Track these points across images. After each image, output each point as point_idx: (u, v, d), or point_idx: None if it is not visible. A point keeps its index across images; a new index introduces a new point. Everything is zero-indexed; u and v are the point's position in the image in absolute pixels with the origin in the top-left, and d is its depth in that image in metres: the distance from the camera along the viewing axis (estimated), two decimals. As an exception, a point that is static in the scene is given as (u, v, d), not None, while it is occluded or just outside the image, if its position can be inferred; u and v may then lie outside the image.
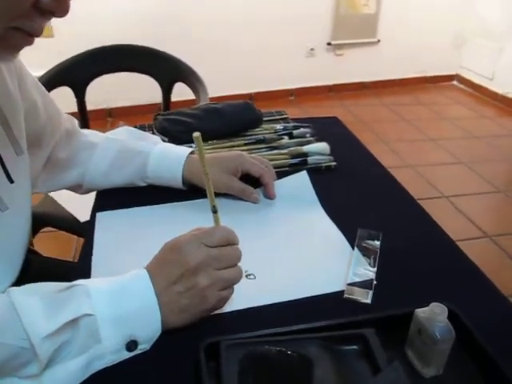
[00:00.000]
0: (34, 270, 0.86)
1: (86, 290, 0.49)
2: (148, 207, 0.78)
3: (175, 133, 0.96)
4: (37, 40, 0.47)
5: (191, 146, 0.92)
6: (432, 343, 0.45)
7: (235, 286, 0.56)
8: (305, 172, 0.84)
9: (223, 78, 3.33)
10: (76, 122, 0.86)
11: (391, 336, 0.49)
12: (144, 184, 0.83)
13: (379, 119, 3.38)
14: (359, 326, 0.49)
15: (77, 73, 1.47)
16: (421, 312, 0.47)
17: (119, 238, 0.69)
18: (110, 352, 0.48)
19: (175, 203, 0.78)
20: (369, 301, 0.58)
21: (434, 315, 0.45)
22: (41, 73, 1.38)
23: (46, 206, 1.34)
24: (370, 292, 0.58)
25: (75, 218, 1.27)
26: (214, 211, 0.54)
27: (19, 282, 0.61)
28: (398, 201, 0.83)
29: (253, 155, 0.84)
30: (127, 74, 1.55)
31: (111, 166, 0.81)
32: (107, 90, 3.06)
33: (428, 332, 0.45)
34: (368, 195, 0.84)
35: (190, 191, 0.80)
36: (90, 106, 1.53)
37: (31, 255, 0.93)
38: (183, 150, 0.82)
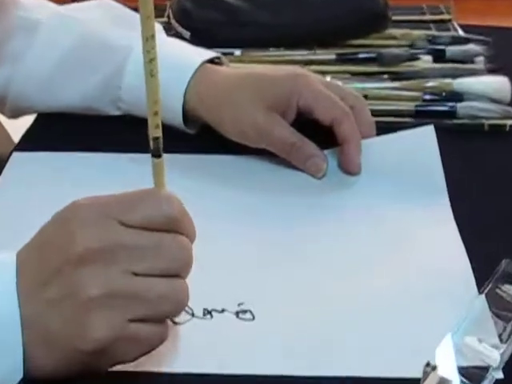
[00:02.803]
0: None
1: None
2: (98, 154, 0.78)
3: (204, 23, 0.88)
4: None
5: (232, 53, 0.87)
6: None
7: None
8: (431, 128, 0.75)
9: None
10: None
11: None
12: (117, 112, 0.78)
13: None
14: None
15: None
16: None
17: (31, 193, 0.73)
18: None
19: (145, 155, 0.77)
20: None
21: None
22: None
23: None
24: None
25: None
26: (156, 154, 0.45)
27: None
28: None
29: (338, 82, 0.77)
30: None
31: (58, 67, 0.77)
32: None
33: None
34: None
35: (201, 138, 0.76)
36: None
37: None
38: (197, 54, 0.75)
